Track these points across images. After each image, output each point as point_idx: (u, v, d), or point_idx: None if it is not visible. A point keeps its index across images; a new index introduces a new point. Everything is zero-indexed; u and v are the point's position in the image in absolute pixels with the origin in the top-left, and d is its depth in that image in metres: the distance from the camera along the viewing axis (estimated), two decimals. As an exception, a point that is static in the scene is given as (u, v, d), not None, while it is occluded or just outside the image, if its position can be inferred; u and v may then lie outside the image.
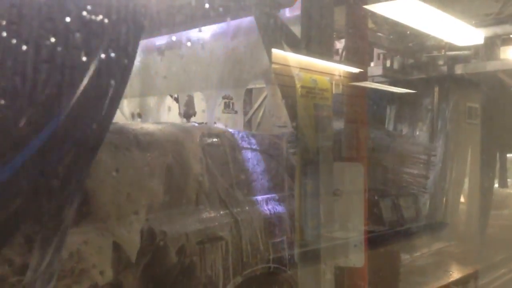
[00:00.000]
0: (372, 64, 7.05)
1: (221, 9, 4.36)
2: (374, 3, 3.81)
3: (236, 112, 7.00)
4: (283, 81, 3.73)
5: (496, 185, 8.70)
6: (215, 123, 6.00)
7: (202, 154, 3.73)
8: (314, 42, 3.85)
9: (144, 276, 3.08)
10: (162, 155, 3.47)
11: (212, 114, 5.83)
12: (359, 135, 4.11)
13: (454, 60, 6.91)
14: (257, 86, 6.71)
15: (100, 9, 2.03)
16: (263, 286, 3.98)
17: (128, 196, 3.11)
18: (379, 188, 5.92)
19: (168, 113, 6.84)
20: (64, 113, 1.98)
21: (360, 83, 4.16)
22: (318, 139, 3.70)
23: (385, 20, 5.68)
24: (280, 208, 4.21)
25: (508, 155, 8.68)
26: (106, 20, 2.03)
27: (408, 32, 6.41)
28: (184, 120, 7.02)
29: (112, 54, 2.08)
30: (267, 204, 4.14)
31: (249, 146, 4.29)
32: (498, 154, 8.29)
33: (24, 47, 1.86)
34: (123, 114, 6.35)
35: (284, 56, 3.74)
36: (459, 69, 6.87)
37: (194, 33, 5.50)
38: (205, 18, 4.80)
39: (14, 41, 1.81)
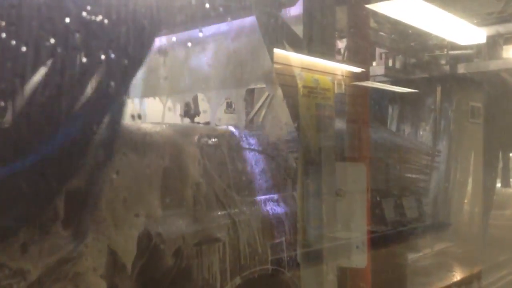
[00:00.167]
0: (374, 63, 7.02)
1: (221, 9, 4.35)
2: (376, 2, 3.80)
3: (237, 112, 6.98)
4: (285, 81, 3.71)
5: (499, 184, 8.67)
6: (216, 125, 5.98)
7: (200, 155, 3.70)
8: (316, 41, 3.84)
9: (139, 279, 3.06)
10: (160, 156, 3.45)
11: (214, 115, 5.81)
12: (361, 135, 4.09)
13: (457, 59, 6.88)
14: (259, 86, 6.70)
15: (116, 12, 2.04)
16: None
17: (125, 200, 3.09)
18: (381, 188, 5.89)
19: (170, 114, 6.82)
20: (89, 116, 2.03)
21: (362, 83, 4.15)
22: (320, 139, 3.68)
23: (387, 19, 5.65)
24: (279, 209, 4.18)
25: (511, 154, 8.65)
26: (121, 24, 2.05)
27: (410, 31, 6.39)
28: (188, 120, 6.99)
29: (129, 55, 2.10)
30: (266, 205, 4.11)
31: (248, 146, 4.26)
32: (500, 154, 8.27)
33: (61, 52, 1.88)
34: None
35: (285, 55, 3.73)
36: (461, 69, 6.85)
37: (195, 33, 5.48)
38: (206, 19, 4.79)
39: (56, 50, 1.83)
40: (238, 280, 3.66)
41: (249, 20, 4.82)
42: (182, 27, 5.31)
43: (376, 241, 4.02)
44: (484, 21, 5.61)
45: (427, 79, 7.21)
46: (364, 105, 4.27)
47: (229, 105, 7.18)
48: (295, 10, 4.47)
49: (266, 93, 7.16)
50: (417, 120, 7.93)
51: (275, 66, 3.78)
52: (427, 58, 7.12)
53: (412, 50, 7.01)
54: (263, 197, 4.17)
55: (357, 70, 4.06)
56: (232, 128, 4.37)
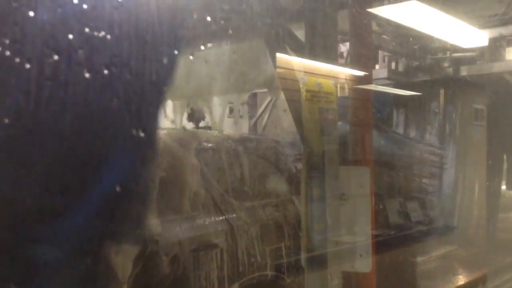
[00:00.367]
0: (377, 66, 7.02)
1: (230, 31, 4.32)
2: (379, 6, 3.80)
3: (241, 116, 6.99)
4: (288, 85, 3.71)
5: (504, 187, 8.64)
6: (218, 130, 5.98)
7: (197, 160, 3.68)
8: (318, 45, 3.84)
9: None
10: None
11: (216, 119, 5.82)
12: (365, 139, 4.08)
13: (460, 62, 6.87)
14: (262, 90, 6.71)
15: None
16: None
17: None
18: (386, 192, 5.87)
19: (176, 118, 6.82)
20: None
21: (365, 86, 4.14)
22: (323, 143, 3.67)
23: (390, 23, 5.66)
24: (279, 214, 4.16)
25: (515, 156, 8.62)
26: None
27: (412, 35, 6.38)
28: (192, 124, 7.00)
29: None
30: (265, 210, 4.08)
31: (248, 151, 4.25)
32: (505, 156, 8.24)
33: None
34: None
35: (288, 60, 3.73)
36: (464, 71, 6.84)
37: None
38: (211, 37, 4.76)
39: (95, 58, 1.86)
40: (236, 287, 3.64)
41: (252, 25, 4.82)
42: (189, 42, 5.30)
43: (381, 245, 4.00)
44: (486, 24, 5.61)
45: (430, 82, 7.21)
46: (368, 108, 4.26)
47: (231, 110, 7.19)
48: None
49: (269, 98, 7.17)
50: (422, 124, 7.91)
51: (278, 70, 3.78)
52: (430, 61, 7.11)
53: (415, 53, 7.01)
54: (262, 201, 4.15)
55: (360, 73, 4.06)
56: (233, 133, 4.37)
